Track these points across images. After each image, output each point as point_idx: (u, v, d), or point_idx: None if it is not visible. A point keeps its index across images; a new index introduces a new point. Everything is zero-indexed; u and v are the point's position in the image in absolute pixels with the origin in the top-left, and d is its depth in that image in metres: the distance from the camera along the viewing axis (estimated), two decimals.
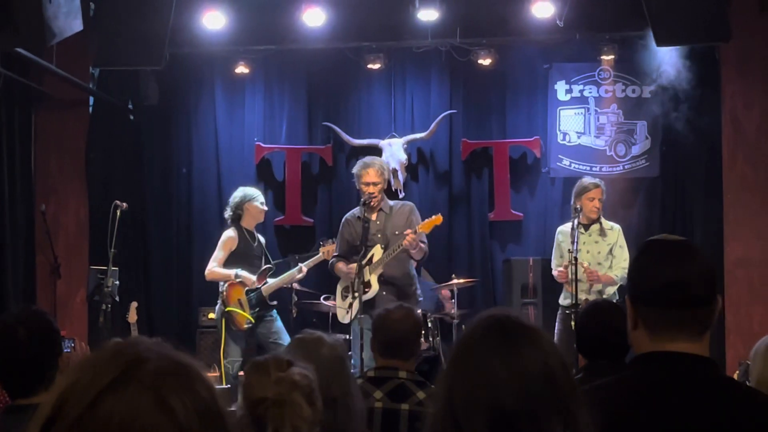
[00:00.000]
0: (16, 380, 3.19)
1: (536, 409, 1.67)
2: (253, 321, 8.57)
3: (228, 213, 8.81)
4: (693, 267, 2.40)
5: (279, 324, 8.75)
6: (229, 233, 8.79)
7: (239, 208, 8.71)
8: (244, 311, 8.59)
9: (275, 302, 8.81)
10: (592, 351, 4.43)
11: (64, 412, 1.18)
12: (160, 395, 1.18)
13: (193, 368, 1.25)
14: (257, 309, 8.60)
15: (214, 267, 8.73)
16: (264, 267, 8.70)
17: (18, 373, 3.18)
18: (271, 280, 8.74)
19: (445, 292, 9.58)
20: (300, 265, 8.76)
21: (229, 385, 8.22)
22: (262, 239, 9.00)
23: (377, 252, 8.09)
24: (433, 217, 8.20)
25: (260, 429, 2.91)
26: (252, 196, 8.76)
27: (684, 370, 2.36)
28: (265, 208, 8.86)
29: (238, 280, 8.59)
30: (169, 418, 1.18)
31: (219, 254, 8.76)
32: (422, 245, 8.10)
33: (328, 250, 8.62)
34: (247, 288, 8.61)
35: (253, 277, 8.59)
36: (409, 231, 7.90)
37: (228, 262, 8.72)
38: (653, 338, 2.41)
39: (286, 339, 8.47)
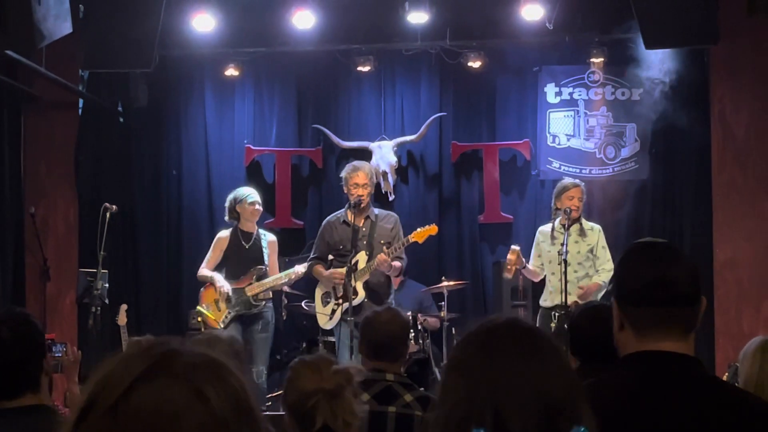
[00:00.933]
0: (3, 382, 3.17)
1: (575, 396, 1.70)
2: (222, 325, 8.48)
3: (226, 217, 8.79)
4: (678, 266, 2.44)
5: (262, 336, 8.55)
6: (220, 234, 8.79)
7: (233, 211, 8.69)
8: (217, 313, 8.53)
9: (262, 303, 8.61)
10: (588, 352, 4.42)
11: (99, 401, 1.21)
12: (194, 385, 1.21)
13: (224, 363, 1.28)
14: (237, 308, 8.52)
15: (202, 267, 8.74)
16: (253, 269, 8.66)
17: (2, 375, 3.16)
18: (263, 281, 8.66)
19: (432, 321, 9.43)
20: (297, 267, 8.67)
21: None
22: (267, 239, 8.77)
23: (362, 258, 8.08)
24: (428, 226, 8.22)
25: (306, 425, 2.90)
26: (241, 196, 8.71)
27: (671, 368, 2.39)
28: (257, 207, 8.71)
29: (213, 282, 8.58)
30: (205, 407, 1.21)
31: (209, 255, 8.77)
32: (397, 264, 8.10)
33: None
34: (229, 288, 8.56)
35: (223, 283, 8.50)
36: (384, 251, 7.94)
37: (222, 263, 8.73)
38: (639, 338, 2.43)
39: (260, 356, 8.43)
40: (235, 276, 8.62)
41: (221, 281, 8.55)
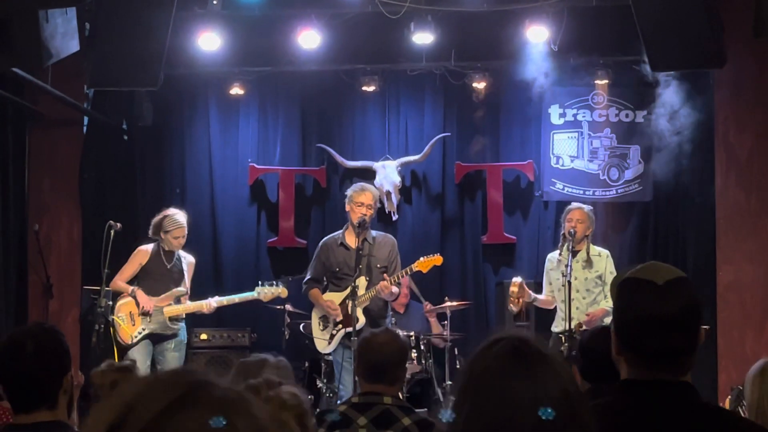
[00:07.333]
0: (21, 395, 3.17)
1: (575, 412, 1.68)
2: (135, 339, 8.36)
3: (150, 232, 8.57)
4: (673, 314, 2.37)
5: (175, 355, 8.49)
6: (141, 247, 8.60)
7: (158, 233, 8.50)
8: (131, 327, 8.38)
9: (178, 326, 8.51)
10: (598, 374, 4.41)
11: (131, 420, 1.21)
12: (228, 417, 1.21)
13: (250, 397, 1.29)
14: (153, 326, 8.37)
15: (116, 279, 8.50)
16: (174, 289, 8.49)
17: (20, 387, 3.16)
18: (180, 305, 8.52)
19: (432, 319, 9.63)
20: (209, 300, 8.56)
21: None
22: (186, 261, 8.62)
23: (361, 284, 8.03)
24: (433, 256, 8.23)
25: None
26: (168, 227, 8.44)
27: (664, 396, 2.37)
28: (181, 240, 8.48)
29: (132, 296, 8.44)
30: None
31: (126, 267, 8.55)
32: (395, 289, 8.11)
33: (263, 292, 8.55)
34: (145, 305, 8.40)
35: (146, 299, 8.37)
36: (385, 278, 7.93)
37: (138, 278, 8.54)
38: (632, 370, 2.44)
39: None
40: (153, 294, 8.45)
41: (144, 298, 8.39)
